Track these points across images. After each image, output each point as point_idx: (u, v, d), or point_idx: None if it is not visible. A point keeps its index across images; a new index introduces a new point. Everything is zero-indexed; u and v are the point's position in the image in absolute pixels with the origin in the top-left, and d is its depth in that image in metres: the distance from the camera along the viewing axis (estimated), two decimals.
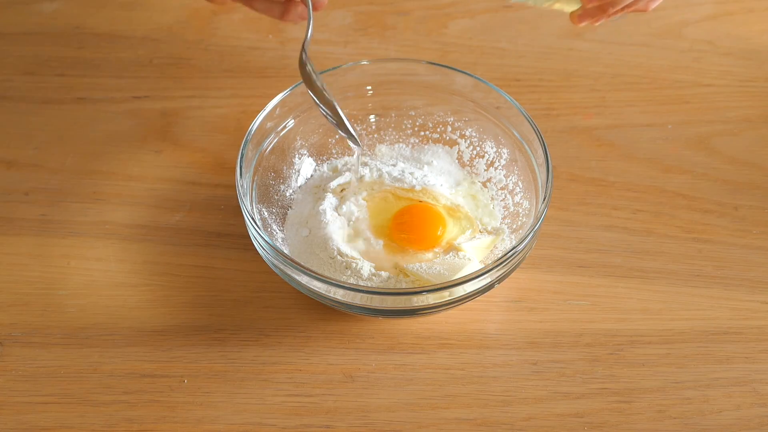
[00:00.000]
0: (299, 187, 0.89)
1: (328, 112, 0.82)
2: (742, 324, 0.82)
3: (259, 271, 0.85)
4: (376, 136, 0.92)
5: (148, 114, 0.97)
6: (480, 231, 0.86)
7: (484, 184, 0.89)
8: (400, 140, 0.91)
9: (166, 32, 1.04)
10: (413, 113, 0.91)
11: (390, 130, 0.92)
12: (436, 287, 0.76)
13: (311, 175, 0.90)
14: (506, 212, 0.87)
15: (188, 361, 0.80)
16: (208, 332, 0.82)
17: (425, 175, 0.88)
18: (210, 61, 1.02)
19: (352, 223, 0.85)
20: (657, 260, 0.86)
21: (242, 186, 0.81)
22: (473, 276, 0.76)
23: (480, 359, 0.80)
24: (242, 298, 0.84)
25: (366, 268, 0.82)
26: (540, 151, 0.82)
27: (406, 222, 0.84)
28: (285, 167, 0.89)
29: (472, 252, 0.83)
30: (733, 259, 0.86)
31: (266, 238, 0.77)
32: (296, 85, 0.86)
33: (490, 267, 0.76)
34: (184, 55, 1.02)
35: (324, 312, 0.83)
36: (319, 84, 0.82)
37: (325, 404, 0.78)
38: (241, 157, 0.82)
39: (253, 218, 0.79)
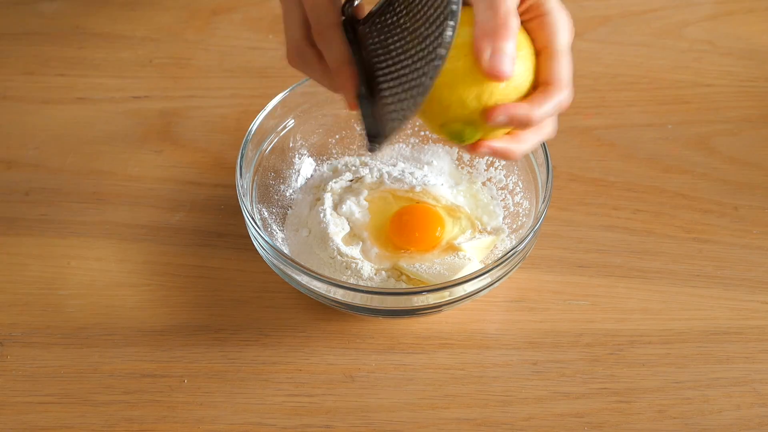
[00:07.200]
0: (299, 187, 0.89)
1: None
2: (742, 324, 0.82)
3: (259, 271, 0.85)
4: None
5: (148, 114, 0.97)
6: (480, 231, 0.86)
7: (484, 184, 0.89)
8: (400, 140, 0.91)
9: (166, 32, 1.04)
10: None
11: None
12: (436, 287, 0.76)
13: (311, 175, 0.90)
14: (506, 212, 0.87)
15: (188, 361, 0.80)
16: (208, 332, 0.82)
17: (425, 175, 0.88)
18: (210, 61, 1.02)
19: (351, 223, 0.85)
20: (657, 260, 0.86)
21: (242, 186, 0.80)
22: (473, 276, 0.76)
23: (480, 359, 0.80)
24: (242, 298, 0.84)
25: (366, 268, 0.82)
26: (540, 151, 0.82)
27: (405, 223, 0.84)
28: (285, 167, 0.89)
29: (472, 252, 0.83)
30: (733, 259, 0.86)
31: (266, 238, 0.77)
32: (296, 85, 0.86)
33: (490, 267, 0.76)
34: (184, 55, 1.02)
35: (324, 312, 0.83)
36: None
37: (325, 404, 0.78)
38: (241, 157, 0.82)
39: (253, 218, 0.79)
